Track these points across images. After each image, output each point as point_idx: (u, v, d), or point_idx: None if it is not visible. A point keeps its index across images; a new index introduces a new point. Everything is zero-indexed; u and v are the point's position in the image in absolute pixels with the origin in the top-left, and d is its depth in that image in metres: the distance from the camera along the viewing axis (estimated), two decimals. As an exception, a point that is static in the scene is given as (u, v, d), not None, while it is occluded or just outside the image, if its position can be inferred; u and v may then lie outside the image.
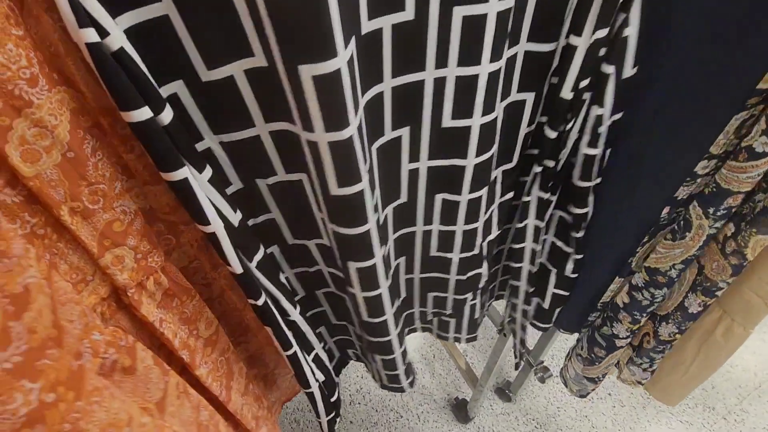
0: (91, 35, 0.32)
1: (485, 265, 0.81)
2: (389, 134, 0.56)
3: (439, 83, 0.53)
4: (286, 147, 0.49)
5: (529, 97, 0.62)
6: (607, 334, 0.80)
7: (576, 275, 0.84)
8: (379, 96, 0.51)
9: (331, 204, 0.51)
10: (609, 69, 0.57)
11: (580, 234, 0.75)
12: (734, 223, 0.60)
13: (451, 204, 0.67)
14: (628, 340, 0.79)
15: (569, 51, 0.54)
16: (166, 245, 0.51)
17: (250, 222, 0.57)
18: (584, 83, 0.57)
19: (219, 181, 0.45)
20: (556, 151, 0.65)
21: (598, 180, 0.71)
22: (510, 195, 0.75)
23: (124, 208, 0.43)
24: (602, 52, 0.55)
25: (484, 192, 0.67)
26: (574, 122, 0.62)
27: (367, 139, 0.50)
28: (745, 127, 0.53)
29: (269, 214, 0.58)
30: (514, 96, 0.62)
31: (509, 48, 0.55)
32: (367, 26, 0.44)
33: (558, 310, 0.94)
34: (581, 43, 0.54)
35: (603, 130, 0.63)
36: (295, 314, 0.60)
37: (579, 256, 0.79)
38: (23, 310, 0.29)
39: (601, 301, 0.81)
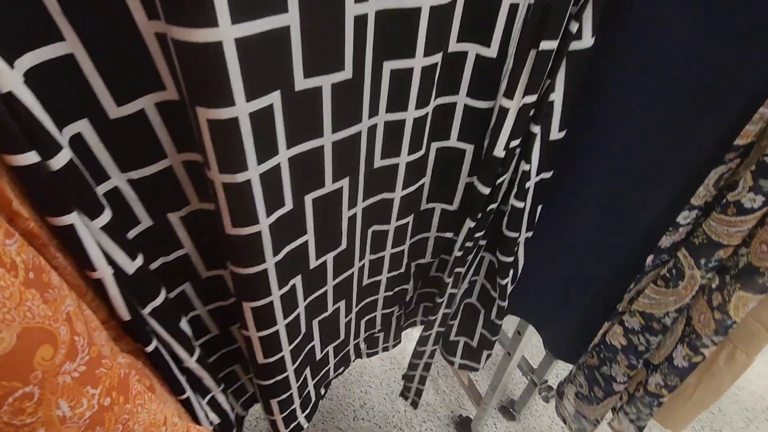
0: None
1: (411, 282, 0.86)
2: (330, 186, 0.58)
3: (372, 130, 0.56)
4: (200, 176, 0.49)
5: (469, 149, 0.67)
6: (606, 374, 0.82)
7: (501, 322, 0.87)
8: (319, 149, 0.53)
9: (226, 242, 0.51)
10: (536, 129, 0.62)
11: (505, 281, 0.79)
12: (719, 275, 0.63)
13: (381, 233, 0.72)
14: (625, 385, 0.82)
15: (502, 113, 0.59)
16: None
17: (160, 261, 0.55)
18: (515, 143, 0.61)
19: (118, 226, 0.44)
20: (487, 204, 0.69)
21: (529, 234, 0.75)
22: (449, 234, 0.80)
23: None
24: (531, 113, 0.60)
25: (410, 219, 0.72)
26: (505, 177, 0.66)
27: (297, 189, 0.53)
28: (723, 179, 0.58)
29: (181, 250, 0.57)
30: (454, 143, 0.67)
31: (444, 96, 0.60)
32: (302, 84, 0.45)
33: (486, 353, 0.98)
34: (512, 106, 0.58)
35: (530, 185, 0.67)
36: (190, 361, 0.59)
37: (503, 303, 0.83)
38: (74, 331, 0.33)
39: (591, 343, 0.84)
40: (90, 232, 0.41)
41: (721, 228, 0.58)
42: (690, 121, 0.57)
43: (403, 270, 0.81)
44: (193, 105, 0.39)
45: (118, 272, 0.45)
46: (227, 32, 0.35)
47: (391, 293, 0.84)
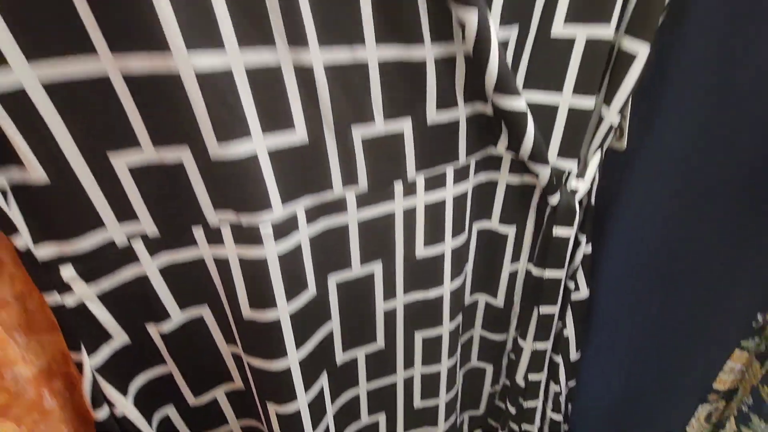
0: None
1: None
2: (365, 419, 0.70)
3: (408, 381, 0.70)
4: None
5: (489, 368, 0.79)
6: None
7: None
8: (355, 398, 0.67)
9: None
10: (558, 359, 0.73)
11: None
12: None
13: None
14: None
15: (518, 349, 0.71)
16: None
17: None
18: (534, 377, 0.72)
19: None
20: (519, 419, 0.78)
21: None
22: None
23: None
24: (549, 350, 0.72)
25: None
26: (537, 404, 0.76)
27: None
28: (714, 416, 0.63)
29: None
30: (475, 363, 0.79)
31: (463, 334, 0.72)
32: (341, 358, 0.61)
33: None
34: (525, 346, 0.69)
35: (563, 398, 0.77)
36: None
37: None
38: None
39: None
40: None
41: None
42: (670, 359, 0.65)
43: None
44: (263, 399, 0.53)
45: None
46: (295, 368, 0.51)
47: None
